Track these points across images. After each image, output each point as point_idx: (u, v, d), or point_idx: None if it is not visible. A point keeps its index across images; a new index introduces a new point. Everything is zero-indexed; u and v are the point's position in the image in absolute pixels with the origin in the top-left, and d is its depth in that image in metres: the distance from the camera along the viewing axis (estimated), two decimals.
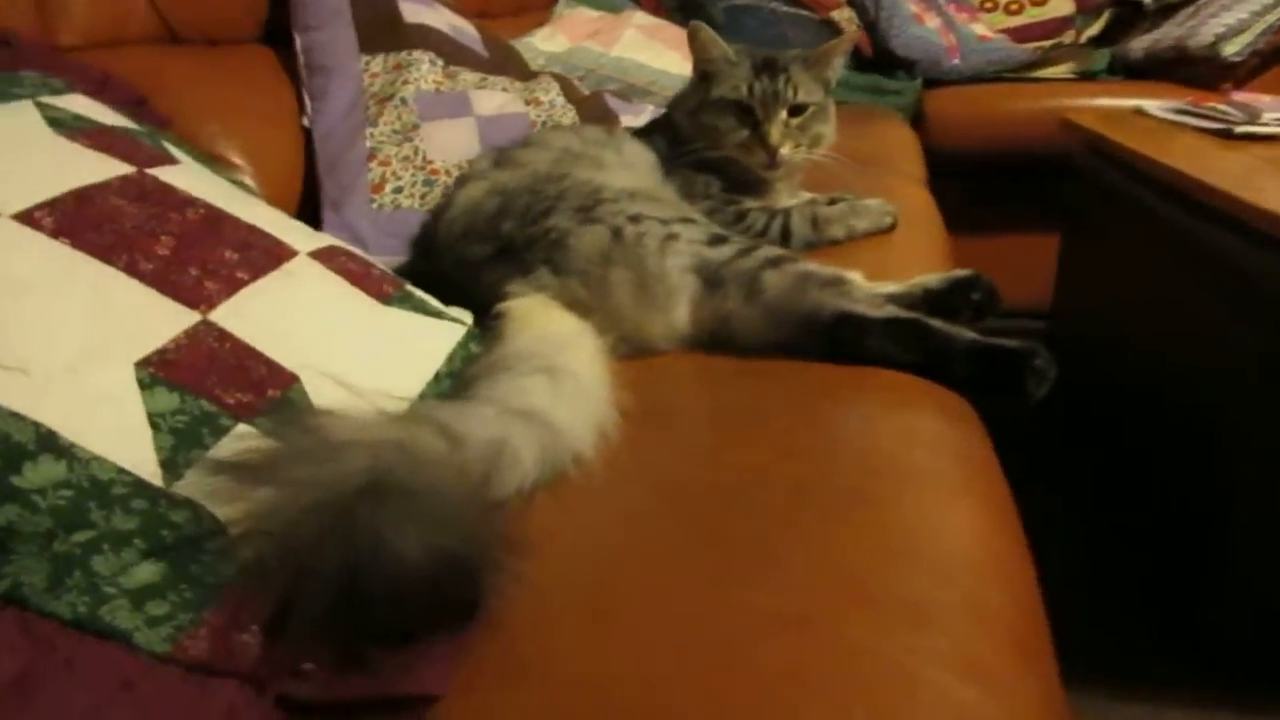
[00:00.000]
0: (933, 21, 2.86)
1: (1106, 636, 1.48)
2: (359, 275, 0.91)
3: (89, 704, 0.48)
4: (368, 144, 1.34)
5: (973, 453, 0.83)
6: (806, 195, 1.40)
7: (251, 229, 0.86)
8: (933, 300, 1.06)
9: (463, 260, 1.08)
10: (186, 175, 0.91)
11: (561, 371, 0.82)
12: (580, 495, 0.71)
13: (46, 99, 0.92)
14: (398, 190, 1.30)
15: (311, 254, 0.89)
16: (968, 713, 0.54)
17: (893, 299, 1.04)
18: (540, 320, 0.94)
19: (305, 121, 1.41)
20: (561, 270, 0.99)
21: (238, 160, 1.31)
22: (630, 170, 1.18)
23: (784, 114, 1.23)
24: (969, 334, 0.94)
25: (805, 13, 2.90)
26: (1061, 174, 2.17)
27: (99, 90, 1.08)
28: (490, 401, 0.75)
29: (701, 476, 0.74)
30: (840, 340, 0.92)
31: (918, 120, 2.60)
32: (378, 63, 1.45)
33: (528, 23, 2.39)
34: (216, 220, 0.84)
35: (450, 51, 1.52)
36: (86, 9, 1.27)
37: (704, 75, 1.28)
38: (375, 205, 1.28)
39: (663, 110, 1.42)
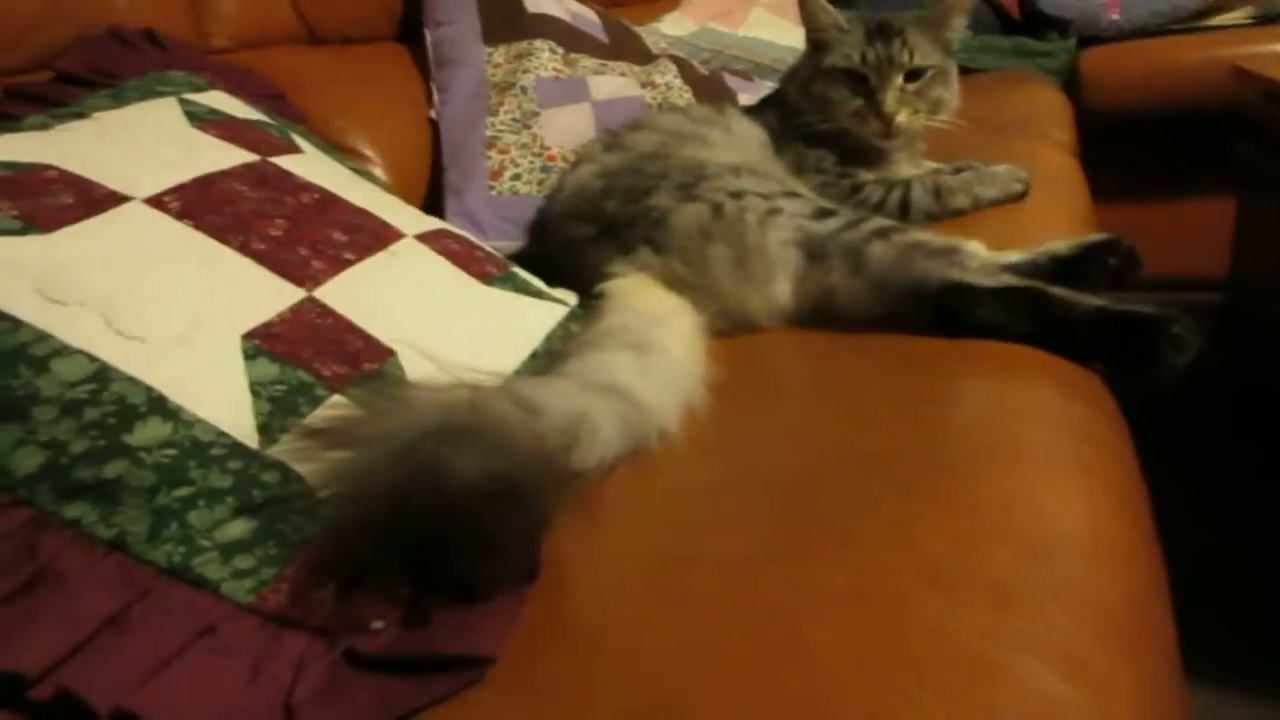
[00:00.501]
0: None
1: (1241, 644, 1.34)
2: (462, 256, 0.94)
3: (175, 643, 0.52)
4: (487, 132, 1.38)
5: (1094, 431, 0.77)
6: (930, 165, 1.34)
7: (362, 212, 0.90)
8: (1063, 268, 0.99)
9: (569, 241, 1.09)
10: (307, 163, 0.96)
11: (651, 347, 0.82)
12: (657, 468, 0.71)
13: (189, 95, 1.00)
14: (515, 177, 1.33)
15: (418, 236, 0.92)
16: (1051, 702, 0.50)
17: (1015, 268, 0.98)
18: (638, 298, 0.94)
19: (432, 113, 1.46)
20: (662, 248, 0.99)
21: (367, 151, 1.37)
22: (738, 147, 1.16)
23: (900, 79, 1.18)
24: (1095, 300, 0.87)
25: None
26: (1236, 130, 1.98)
27: (239, 87, 1.15)
28: (573, 376, 0.75)
29: (783, 451, 0.72)
30: (948, 310, 0.87)
31: (1071, 82, 2.43)
32: (500, 53, 1.49)
33: (658, 9, 2.39)
34: (329, 204, 0.89)
35: (570, 38, 1.54)
36: (235, 13, 1.37)
37: (815, 45, 1.24)
38: (494, 191, 1.31)
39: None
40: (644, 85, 1.49)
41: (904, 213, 1.19)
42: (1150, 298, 0.91)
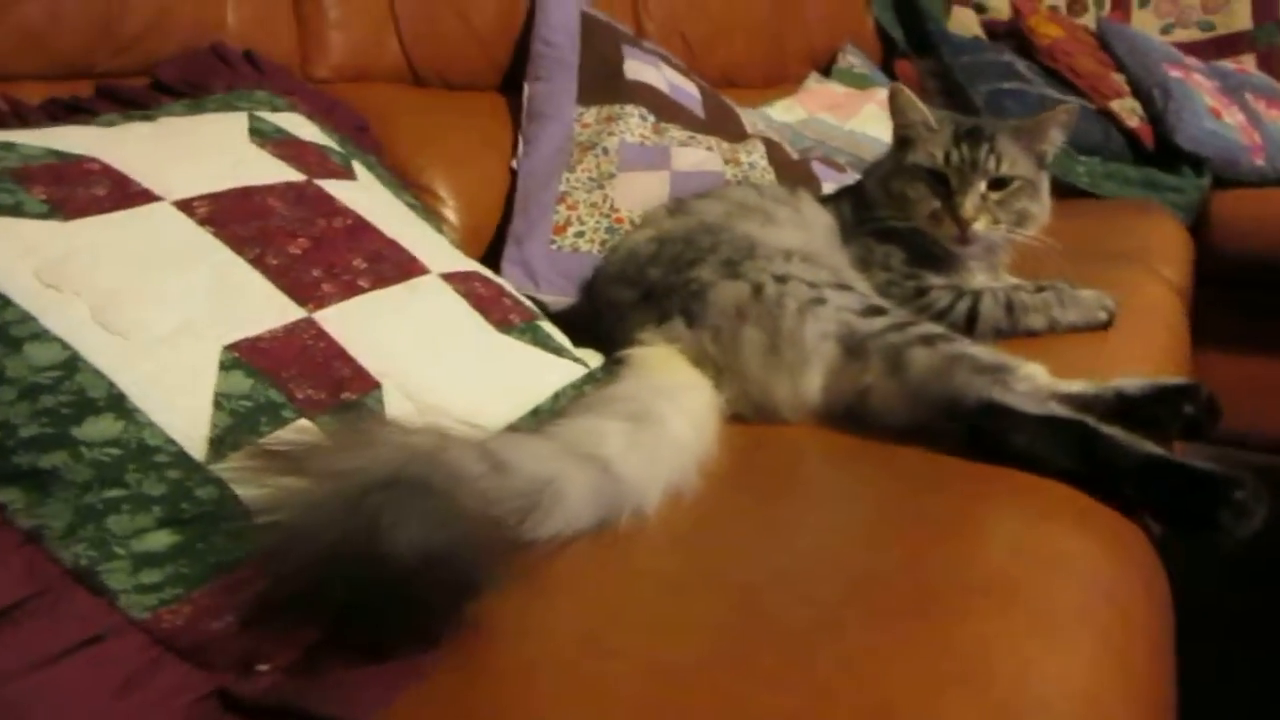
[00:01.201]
0: (1233, 117, 2.53)
1: None
2: (486, 301, 0.92)
3: (58, 646, 0.50)
4: (561, 188, 1.38)
5: (1120, 590, 0.68)
6: (1011, 280, 1.26)
7: (392, 244, 0.90)
8: (1130, 408, 0.90)
9: (612, 302, 1.06)
10: (356, 190, 0.97)
11: (650, 421, 0.77)
12: (619, 548, 0.66)
13: (263, 113, 1.03)
14: (579, 234, 1.31)
15: (444, 274, 0.91)
16: None
17: (1073, 399, 0.90)
18: (658, 369, 0.90)
19: (514, 163, 1.47)
20: (696, 322, 0.95)
21: (440, 190, 1.39)
22: (802, 231, 1.12)
23: (982, 186, 1.12)
24: (1151, 447, 0.78)
25: (1079, 100, 2.67)
26: None
27: (322, 113, 1.18)
28: (555, 438, 0.71)
29: (758, 553, 0.66)
30: (982, 432, 0.80)
31: (1198, 221, 2.30)
32: (591, 114, 1.50)
33: (775, 94, 2.39)
34: (360, 231, 0.89)
35: (663, 108, 1.54)
36: (343, 46, 1.42)
37: (901, 141, 1.20)
38: (554, 245, 1.30)
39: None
40: (727, 161, 1.47)
41: (971, 324, 1.12)
42: (1247, 457, 0.82)
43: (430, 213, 1.12)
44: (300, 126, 1.05)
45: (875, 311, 0.93)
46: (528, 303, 1.02)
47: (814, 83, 2.44)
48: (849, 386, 0.89)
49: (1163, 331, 1.28)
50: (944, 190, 1.13)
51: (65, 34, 1.07)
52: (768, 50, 2.54)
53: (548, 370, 0.90)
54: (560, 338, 0.96)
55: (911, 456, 0.82)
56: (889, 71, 2.94)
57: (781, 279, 0.95)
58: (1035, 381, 0.90)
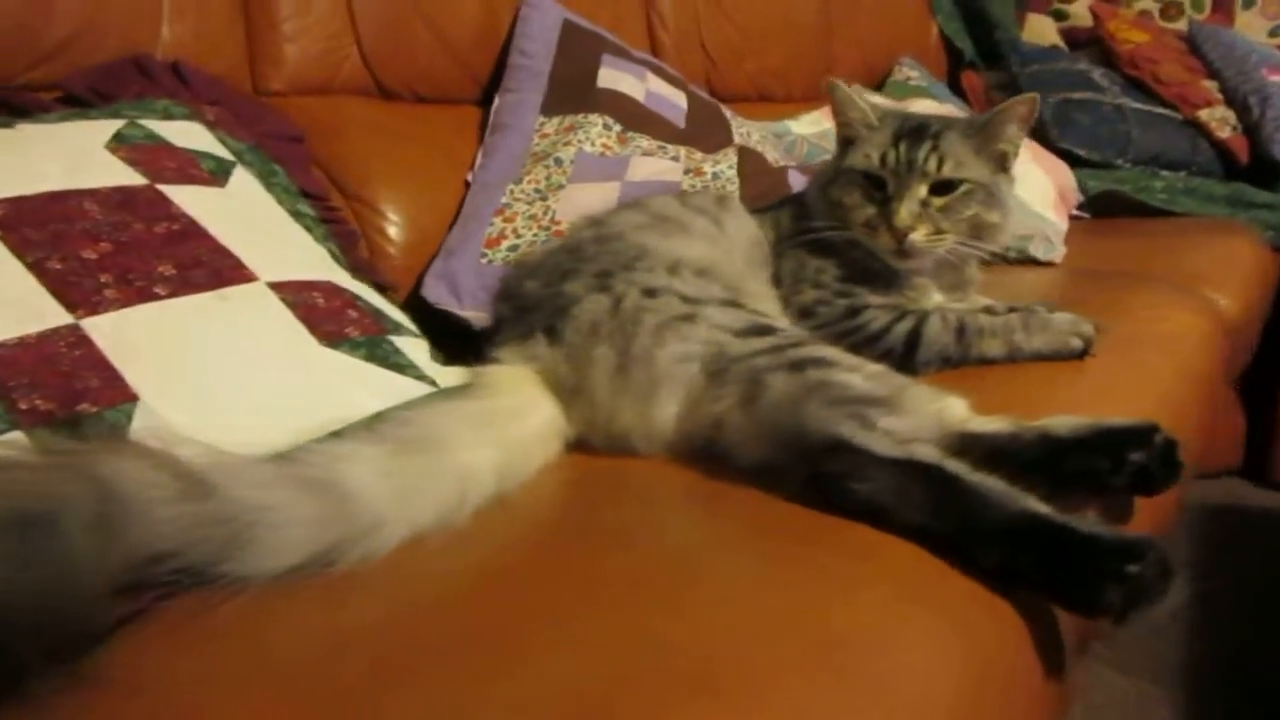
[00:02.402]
0: None
1: None
2: (320, 312, 0.85)
3: None
4: (503, 199, 1.30)
5: (965, 686, 0.54)
6: (982, 301, 1.11)
7: (221, 250, 0.84)
8: (1056, 454, 0.75)
9: (496, 317, 0.98)
10: (212, 197, 0.92)
11: (427, 449, 0.68)
12: (312, 593, 0.56)
13: (147, 121, 0.99)
14: (513, 248, 1.23)
15: (275, 283, 0.84)
16: None
17: (979, 441, 0.76)
18: (493, 391, 0.81)
19: (469, 176, 1.41)
20: (556, 339, 0.85)
21: (381, 205, 1.33)
22: (711, 244, 1.00)
23: (922, 190, 0.97)
24: (1026, 502, 0.63)
25: (1163, 110, 2.43)
26: None
27: (245, 124, 1.15)
28: (294, 462, 0.63)
29: (471, 605, 0.55)
30: (824, 477, 0.66)
31: None
32: (552, 124, 1.42)
33: (810, 107, 2.26)
34: (185, 236, 0.83)
35: (634, 118, 1.44)
36: (297, 60, 1.39)
37: (843, 142, 1.07)
38: (485, 259, 1.22)
39: None
40: (689, 171, 1.36)
41: (911, 350, 0.98)
42: None
43: (317, 224, 1.06)
44: (185, 135, 1.00)
45: (758, 332, 0.81)
46: (397, 317, 0.94)
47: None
48: (704, 416, 0.77)
49: (1169, 368, 1.09)
50: (881, 195, 0.99)
51: None
52: (811, 62, 2.41)
53: (378, 389, 0.81)
54: (414, 355, 0.88)
55: (762, 504, 0.69)
56: (955, 85, 2.76)
57: (651, 292, 0.84)
58: (948, 417, 0.76)
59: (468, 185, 1.40)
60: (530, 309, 0.89)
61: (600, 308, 0.83)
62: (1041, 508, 0.63)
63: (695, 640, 0.52)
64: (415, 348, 0.90)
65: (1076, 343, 1.00)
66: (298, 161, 1.21)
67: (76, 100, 1.08)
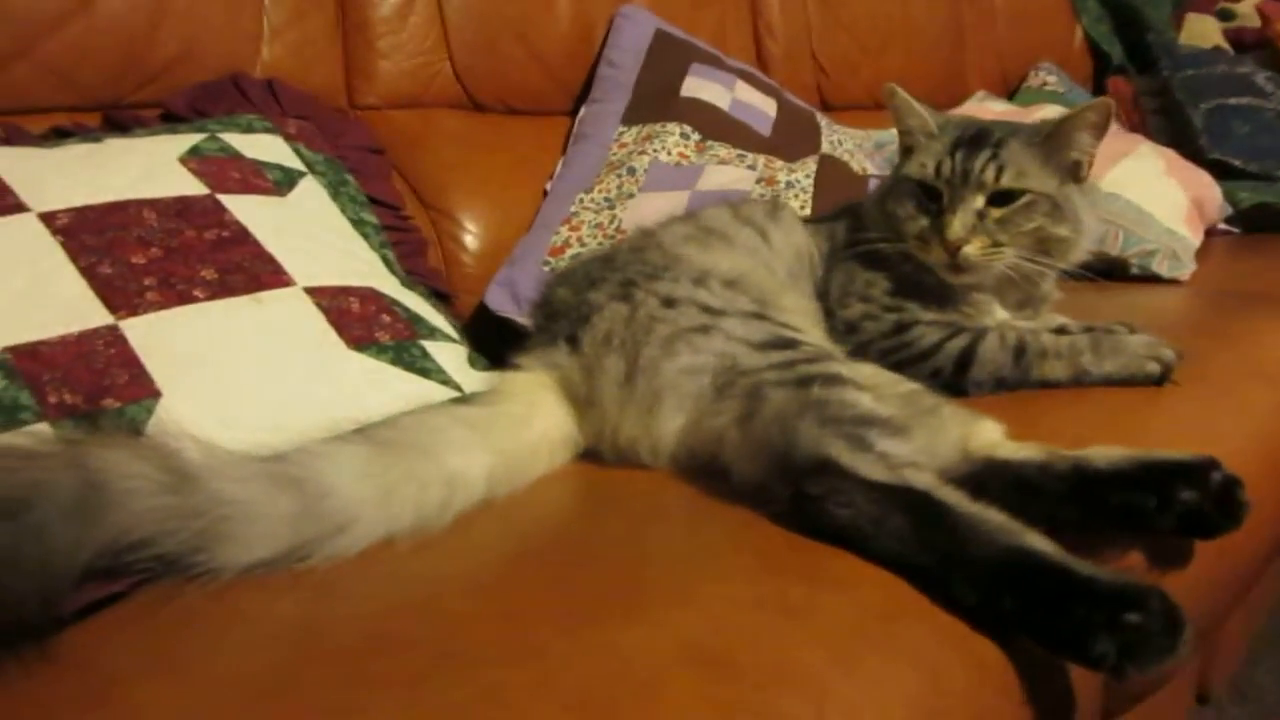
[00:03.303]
0: None
1: None
2: (352, 317, 0.88)
3: None
4: (571, 208, 1.31)
5: None
6: (1056, 320, 1.02)
7: (263, 256, 0.88)
8: (1094, 489, 0.69)
9: (534, 324, 0.98)
10: (270, 207, 0.97)
11: (415, 453, 0.69)
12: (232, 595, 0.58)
13: (228, 134, 1.06)
14: (576, 257, 1.24)
15: (310, 288, 0.88)
16: None
17: (1004, 471, 0.70)
18: (503, 398, 0.81)
19: (548, 186, 1.43)
20: (576, 348, 0.85)
21: (458, 214, 1.37)
22: (752, 255, 0.97)
23: (979, 201, 0.91)
24: (1025, 539, 0.58)
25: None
26: None
27: (327, 137, 1.21)
28: (279, 459, 0.65)
29: (425, 618, 0.55)
30: (805, 499, 0.63)
31: None
32: (631, 133, 1.43)
33: None
34: (233, 243, 0.88)
35: (714, 126, 1.43)
36: (390, 74, 1.44)
37: (905, 151, 1.02)
38: (548, 267, 1.24)
39: None
40: (761, 180, 1.33)
41: (963, 369, 0.92)
42: None
43: (378, 231, 1.09)
44: (259, 147, 1.07)
45: (779, 345, 0.78)
46: (436, 323, 0.96)
47: (974, 103, 2.19)
48: (708, 431, 0.75)
49: (1270, 402, 0.97)
50: (935, 207, 0.94)
51: (90, 68, 1.17)
52: (939, 69, 2.32)
53: (395, 390, 0.84)
54: (443, 360, 0.90)
55: (737, 523, 0.66)
56: (1100, 92, 2.58)
57: (670, 302, 0.82)
58: (942, 444, 0.71)
59: (546, 195, 1.42)
60: (558, 316, 0.89)
61: (618, 317, 0.82)
62: (1039, 544, 0.57)
63: (633, 664, 0.51)
64: (449, 353, 0.92)
65: (1153, 367, 0.91)
66: (375, 172, 1.26)
67: (175, 118, 1.17)
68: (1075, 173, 0.94)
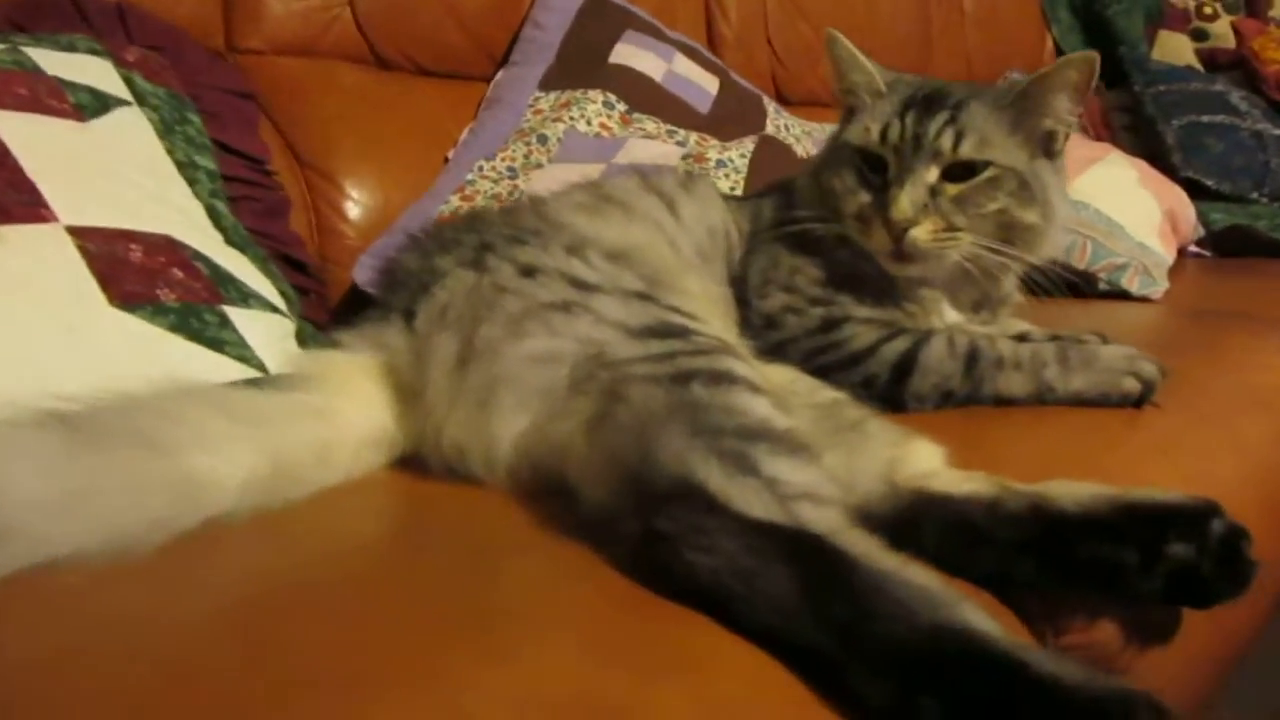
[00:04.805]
0: None
1: None
2: (127, 269, 0.69)
3: None
4: (469, 176, 1.13)
5: None
6: (1018, 326, 0.86)
7: (22, 184, 0.69)
8: (1059, 537, 0.52)
9: (377, 299, 0.80)
10: (50, 129, 0.78)
11: (131, 445, 0.50)
12: None
13: (34, 49, 0.88)
14: None
15: (75, 228, 0.69)
16: None
17: (944, 506, 0.53)
18: (297, 385, 0.62)
19: (450, 153, 1.25)
20: (412, 325, 0.66)
21: (341, 179, 1.18)
22: (659, 229, 0.80)
23: (932, 174, 0.74)
24: (962, 614, 0.40)
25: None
26: None
27: (188, 73, 1.04)
28: None
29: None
30: (656, 538, 0.45)
31: None
32: (549, 99, 1.25)
33: None
34: None
35: (645, 99, 1.25)
36: (279, 18, 1.25)
37: (847, 114, 0.85)
38: None
39: None
40: (689, 157, 1.16)
41: (901, 377, 0.75)
42: None
43: (213, 179, 0.90)
44: (71, 67, 0.88)
45: (663, 333, 0.60)
46: (257, 289, 0.78)
47: None
48: (554, 438, 0.56)
49: (1263, 432, 0.81)
50: (880, 180, 0.77)
51: None
52: (905, 70, 2.16)
53: (166, 362, 0.65)
54: (248, 333, 0.71)
55: (576, 563, 0.48)
56: None
57: (529, 271, 0.64)
58: (861, 469, 0.54)
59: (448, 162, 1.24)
60: (398, 286, 0.71)
61: (461, 286, 0.64)
62: (979, 623, 0.40)
63: None
64: (263, 325, 0.74)
65: (1131, 384, 0.75)
66: (236, 118, 1.07)
67: None
68: (1049, 146, 0.77)
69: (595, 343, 0.59)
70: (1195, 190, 1.92)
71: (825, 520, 0.45)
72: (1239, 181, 1.99)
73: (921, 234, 0.73)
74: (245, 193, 0.99)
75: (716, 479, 0.45)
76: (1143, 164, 1.71)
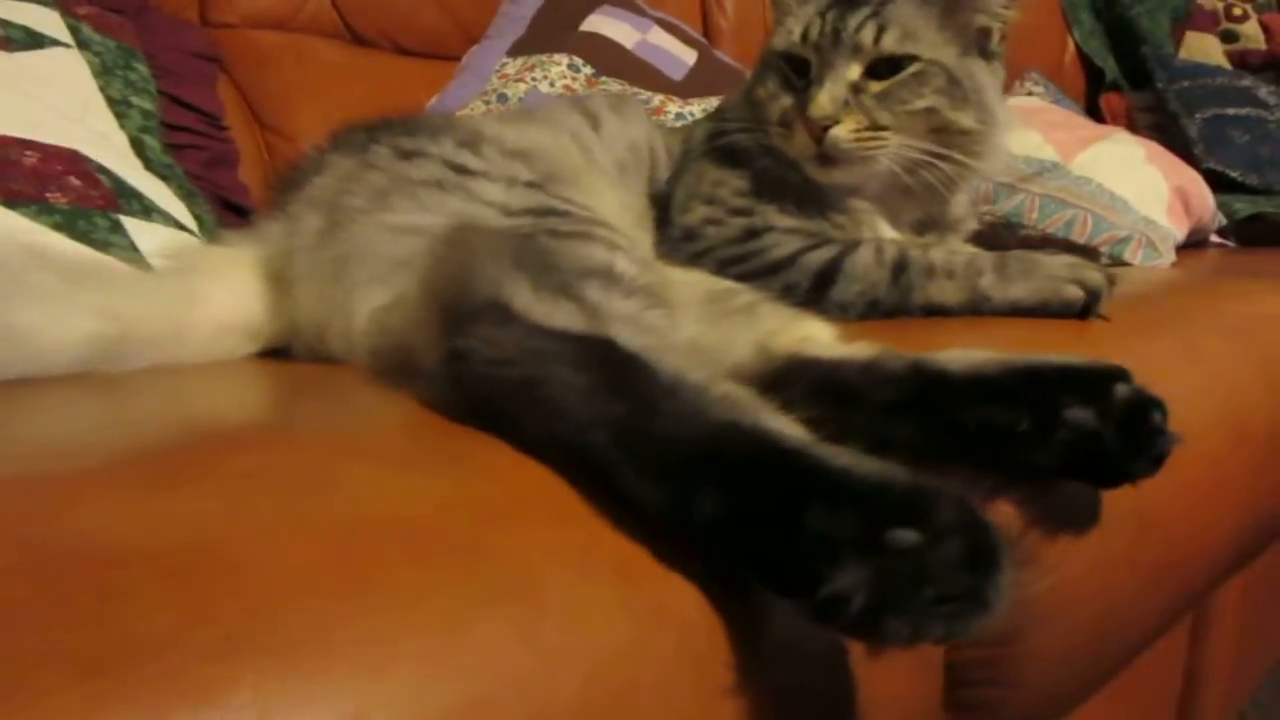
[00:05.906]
0: None
1: None
2: (15, 169, 0.68)
3: None
4: None
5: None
6: (966, 250, 0.80)
7: None
8: (940, 398, 0.47)
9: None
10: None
11: None
12: None
13: None
14: None
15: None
16: None
17: (819, 369, 0.48)
18: (170, 273, 0.60)
19: None
20: (287, 213, 0.63)
21: (301, 141, 1.16)
22: (575, 138, 0.76)
23: (854, 70, 0.70)
24: (753, 416, 0.36)
25: None
26: None
27: (150, 34, 1.05)
28: None
29: None
30: (454, 357, 0.41)
31: None
32: (515, 64, 1.24)
33: None
34: None
35: (613, 64, 1.24)
36: None
37: (779, 24, 0.81)
38: None
39: None
40: (651, 112, 1.13)
41: (823, 286, 0.70)
42: None
43: (146, 118, 0.89)
44: (13, 9, 0.88)
45: (547, 214, 0.57)
46: (164, 206, 0.76)
47: None
48: (404, 306, 0.53)
49: (1237, 356, 0.73)
50: (803, 83, 0.73)
51: None
52: None
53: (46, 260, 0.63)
54: (145, 242, 0.69)
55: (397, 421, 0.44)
56: (1092, 107, 2.39)
57: (407, 155, 0.61)
58: (744, 343, 0.50)
59: None
60: (290, 186, 0.68)
61: (338, 172, 0.61)
62: (770, 423, 0.35)
63: None
64: (160, 238, 0.72)
65: (1073, 292, 0.68)
66: (193, 77, 1.08)
67: None
68: (983, 45, 0.73)
69: (466, 216, 0.56)
70: (1220, 182, 1.83)
71: (641, 345, 0.40)
72: (1265, 173, 1.90)
73: (843, 133, 0.69)
74: (192, 141, 0.98)
75: (524, 296, 0.41)
76: (1152, 144, 1.64)
